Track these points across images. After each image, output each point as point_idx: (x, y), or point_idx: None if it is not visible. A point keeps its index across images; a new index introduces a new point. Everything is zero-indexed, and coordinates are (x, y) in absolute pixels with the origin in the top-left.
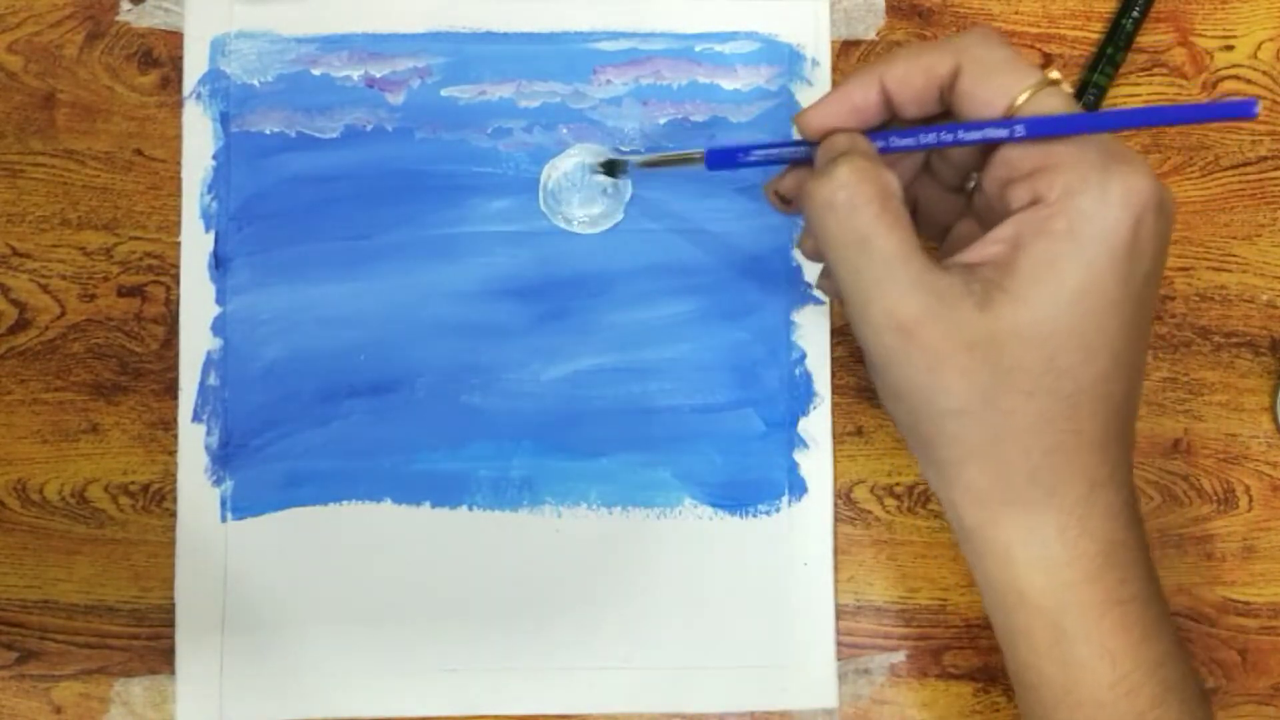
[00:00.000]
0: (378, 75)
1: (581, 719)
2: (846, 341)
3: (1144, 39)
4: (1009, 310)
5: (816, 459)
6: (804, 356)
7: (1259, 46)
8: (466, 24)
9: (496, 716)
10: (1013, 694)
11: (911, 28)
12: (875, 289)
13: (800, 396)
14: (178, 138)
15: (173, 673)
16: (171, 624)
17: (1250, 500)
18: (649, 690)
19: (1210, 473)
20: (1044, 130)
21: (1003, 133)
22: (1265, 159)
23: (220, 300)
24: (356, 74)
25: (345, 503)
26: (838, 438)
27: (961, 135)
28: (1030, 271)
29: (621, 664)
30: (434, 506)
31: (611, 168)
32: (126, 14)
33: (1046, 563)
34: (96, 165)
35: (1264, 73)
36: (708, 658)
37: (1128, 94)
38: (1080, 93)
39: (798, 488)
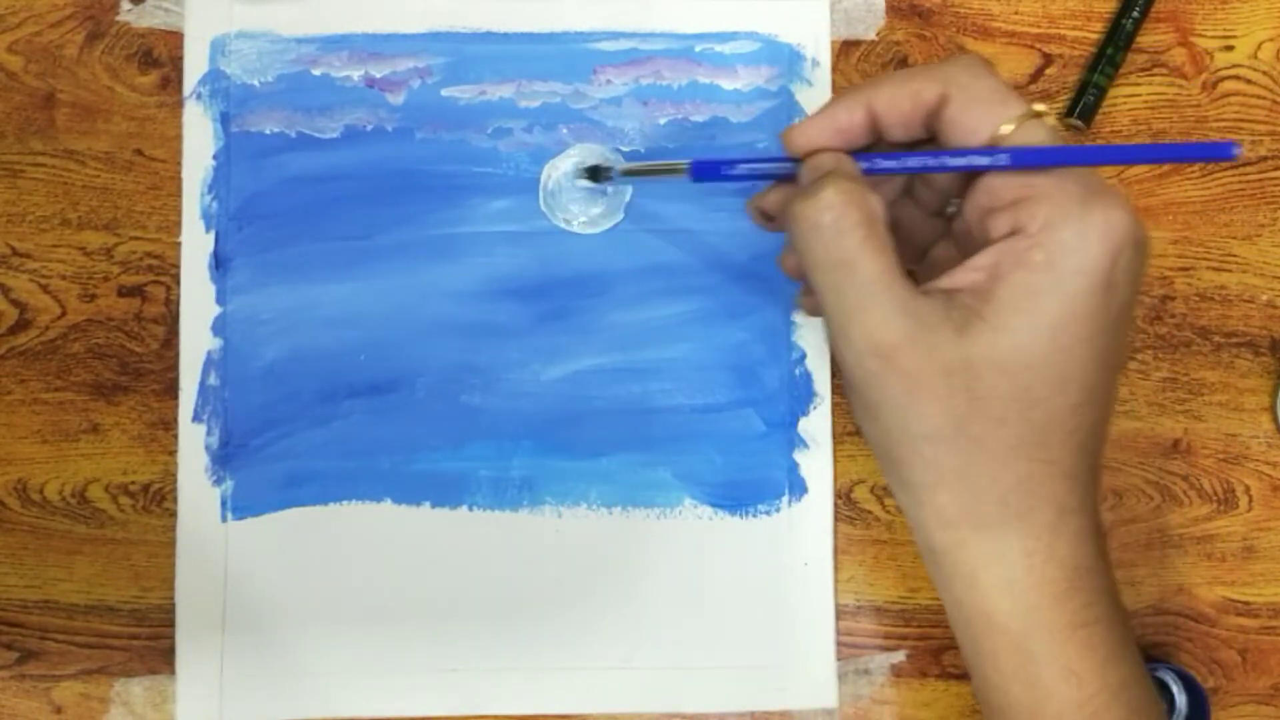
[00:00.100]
0: (378, 75)
1: (581, 719)
2: None
3: (1144, 39)
4: (986, 338)
5: (816, 459)
6: (804, 356)
7: (1259, 46)
8: (466, 24)
9: (496, 716)
10: None
11: (911, 28)
12: (857, 312)
13: (800, 396)
14: (178, 138)
15: (173, 673)
16: (171, 624)
17: (1250, 500)
18: (649, 690)
19: (1210, 473)
20: (1028, 161)
21: (985, 161)
22: (1265, 159)
23: (220, 300)
24: (356, 74)
25: (345, 503)
26: (838, 438)
27: (947, 161)
28: (1009, 301)
29: (621, 664)
30: (434, 506)
31: (596, 174)
32: (126, 14)
33: (1013, 586)
34: (96, 165)
35: (1264, 73)
36: (708, 658)
37: (1128, 94)
38: (1080, 93)
39: (798, 488)
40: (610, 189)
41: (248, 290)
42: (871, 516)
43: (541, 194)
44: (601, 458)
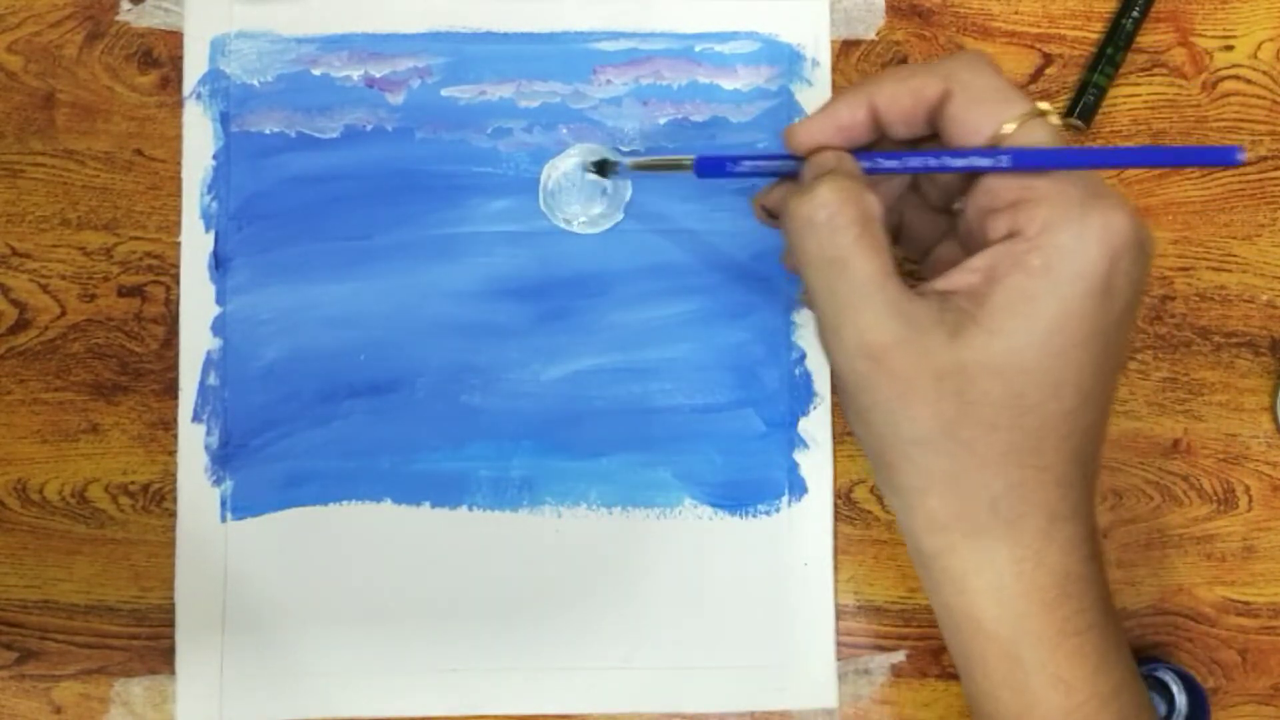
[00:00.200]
0: (378, 75)
1: (581, 719)
2: None
3: (1144, 39)
4: (979, 342)
5: (816, 459)
6: (804, 356)
7: (1259, 46)
8: (466, 24)
9: (496, 716)
10: None
11: (911, 28)
12: (849, 311)
13: (800, 396)
14: (178, 138)
15: (173, 673)
16: (171, 624)
17: (1250, 500)
18: (649, 690)
19: (1210, 473)
20: (1029, 163)
21: (988, 162)
22: (1265, 159)
23: (220, 300)
24: (356, 74)
25: (345, 503)
26: (838, 438)
27: (947, 161)
28: (1003, 305)
29: (621, 664)
30: (434, 506)
31: (603, 168)
32: (126, 14)
33: (1001, 593)
34: (96, 165)
35: (1264, 73)
36: (708, 658)
37: (1128, 94)
38: (1080, 93)
39: (798, 488)
40: (610, 188)
41: (248, 290)
42: (871, 516)
43: (541, 194)
44: (601, 458)
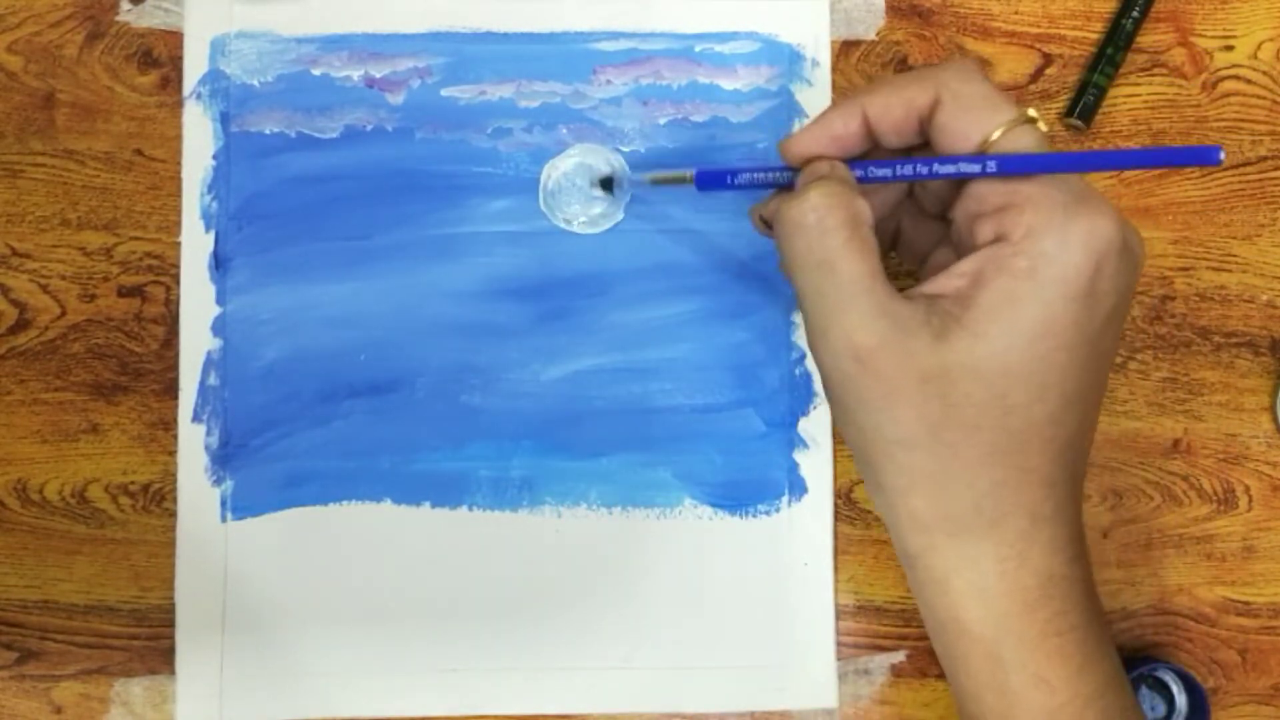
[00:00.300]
0: (378, 75)
1: (581, 719)
2: None
3: (1144, 39)
4: (964, 344)
5: (816, 459)
6: (804, 356)
7: (1259, 46)
8: (466, 24)
9: (496, 716)
10: None
11: (911, 28)
12: (836, 313)
13: (800, 396)
14: (178, 138)
15: (173, 673)
16: (171, 624)
17: (1250, 500)
18: (649, 690)
19: (1210, 473)
20: (1015, 168)
21: (975, 168)
22: (1265, 159)
23: (220, 300)
24: (356, 74)
25: (345, 503)
26: (838, 438)
27: (936, 169)
28: (988, 308)
29: (621, 664)
30: (434, 506)
31: (608, 184)
32: (126, 14)
33: (984, 593)
34: (96, 165)
35: (1264, 73)
36: (708, 658)
37: (1128, 94)
38: (1080, 93)
39: (798, 488)
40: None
41: (248, 290)
42: (871, 516)
43: (541, 194)
44: (601, 458)
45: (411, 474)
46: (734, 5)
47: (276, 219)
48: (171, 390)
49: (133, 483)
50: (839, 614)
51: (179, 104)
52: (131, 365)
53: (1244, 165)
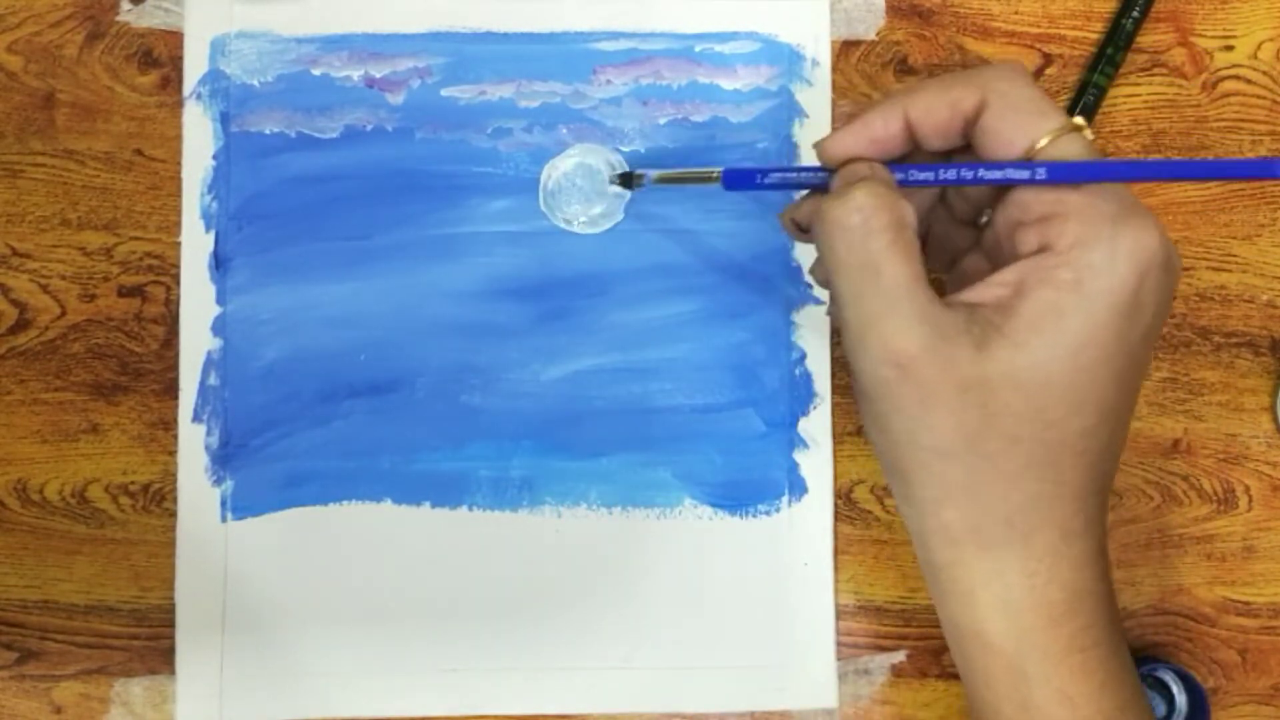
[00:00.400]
0: (378, 75)
1: (581, 719)
2: None
3: (1144, 39)
4: (1005, 354)
5: (816, 459)
6: (804, 356)
7: (1259, 46)
8: (466, 24)
9: (496, 716)
10: None
11: (911, 28)
12: (877, 318)
13: (800, 396)
14: (178, 138)
15: (173, 673)
16: (171, 624)
17: (1250, 500)
18: (649, 690)
19: (1210, 473)
20: (1065, 176)
21: (1024, 174)
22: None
23: (220, 300)
24: (356, 74)
25: (345, 503)
26: (838, 438)
27: (982, 174)
28: (1031, 319)
29: (621, 664)
30: (434, 506)
31: (628, 180)
32: (126, 14)
33: (1010, 606)
34: (96, 165)
35: (1264, 73)
36: (708, 658)
37: (1128, 94)
38: (1080, 93)
39: (798, 488)
40: (612, 189)
41: (248, 290)
42: (871, 516)
43: (541, 194)
44: (601, 458)
45: (411, 474)
46: (734, 5)
47: (276, 219)
48: (171, 390)
49: (133, 483)
50: (839, 614)
51: (179, 104)
52: (131, 365)
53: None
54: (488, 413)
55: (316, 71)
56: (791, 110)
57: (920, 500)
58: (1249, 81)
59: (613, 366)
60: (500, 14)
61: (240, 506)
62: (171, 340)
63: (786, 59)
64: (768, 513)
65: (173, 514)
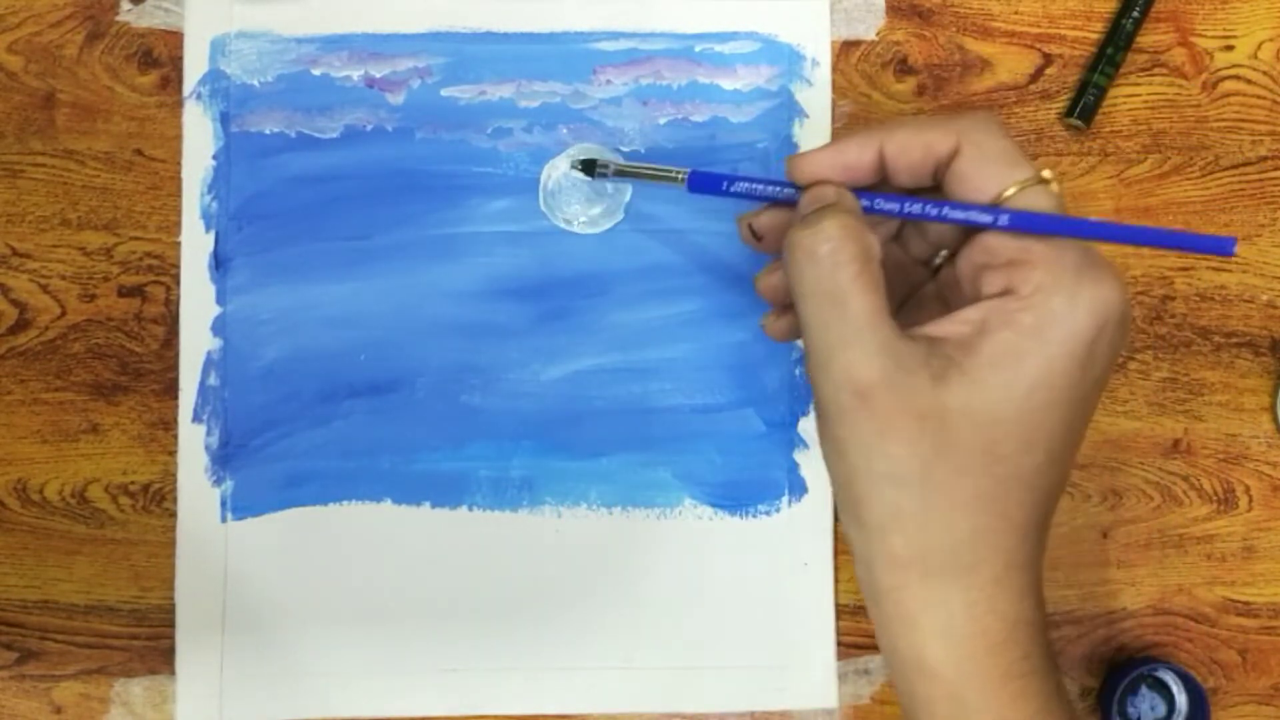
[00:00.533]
0: (378, 75)
1: (581, 719)
2: None
3: (1144, 39)
4: (963, 390)
5: (816, 459)
6: (804, 356)
7: (1259, 46)
8: (466, 24)
9: (496, 716)
10: None
11: (911, 28)
12: (840, 346)
13: (800, 396)
14: (178, 138)
15: (173, 673)
16: (171, 624)
17: (1250, 500)
18: (649, 690)
19: (1210, 473)
20: (1026, 226)
21: (987, 219)
22: (1265, 159)
23: (220, 300)
24: (356, 74)
25: (345, 503)
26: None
27: (947, 213)
28: (990, 358)
29: (621, 664)
30: (434, 506)
31: (590, 168)
32: (126, 14)
33: (951, 633)
34: (96, 165)
35: (1264, 73)
36: (708, 658)
37: (1128, 94)
38: (1080, 93)
39: (798, 488)
40: (611, 189)
41: (248, 290)
42: None
43: (541, 194)
44: (601, 458)
45: (411, 474)
46: (734, 5)
47: (276, 219)
48: (171, 390)
49: (133, 483)
50: (839, 614)
51: (179, 104)
52: (131, 365)
53: (1244, 165)
54: (488, 413)
55: (316, 71)
56: (791, 110)
57: (869, 525)
58: (1249, 81)
59: (613, 366)
60: (500, 14)
61: (240, 506)
62: (171, 340)
63: (786, 59)
64: (768, 513)
65: (173, 514)
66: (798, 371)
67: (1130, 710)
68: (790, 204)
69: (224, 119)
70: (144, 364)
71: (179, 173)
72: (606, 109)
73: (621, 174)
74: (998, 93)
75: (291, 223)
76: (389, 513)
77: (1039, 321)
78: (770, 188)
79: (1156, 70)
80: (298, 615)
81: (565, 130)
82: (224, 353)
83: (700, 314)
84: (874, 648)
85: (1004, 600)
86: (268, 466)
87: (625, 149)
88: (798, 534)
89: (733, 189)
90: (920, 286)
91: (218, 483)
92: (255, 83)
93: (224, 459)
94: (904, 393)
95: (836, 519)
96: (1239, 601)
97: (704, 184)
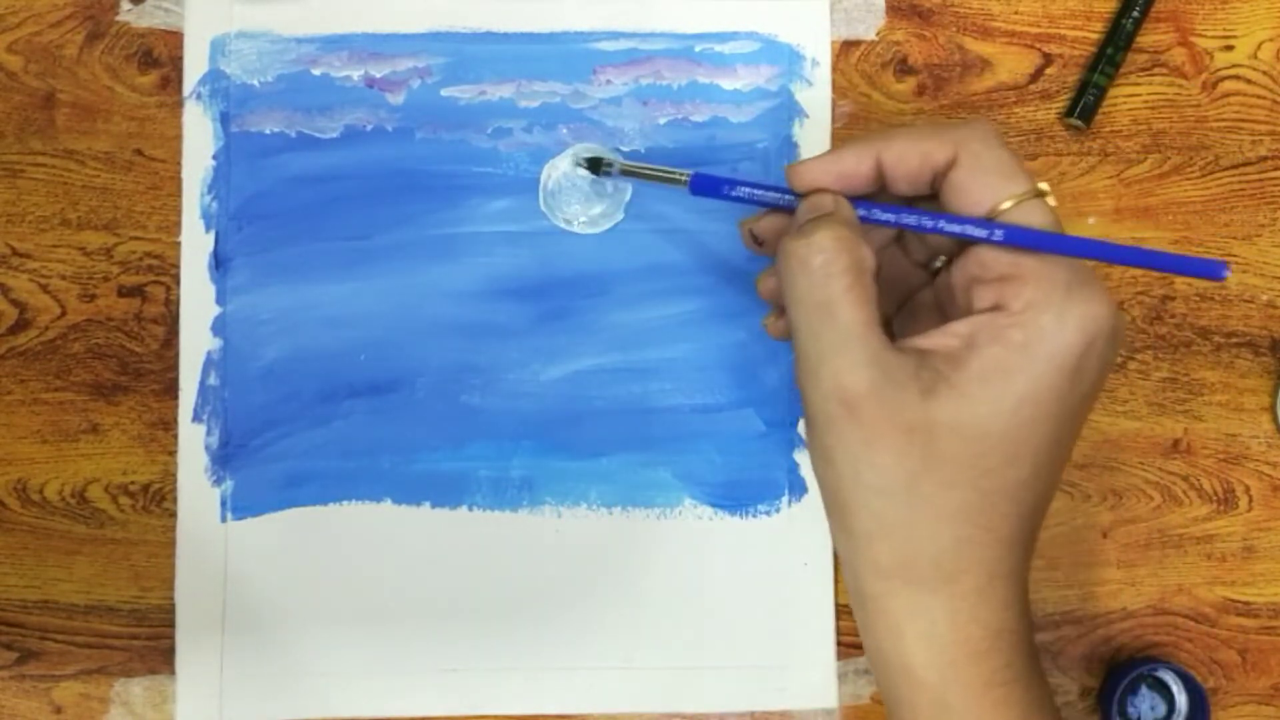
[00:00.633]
0: (378, 75)
1: (581, 719)
2: None
3: (1144, 39)
4: (951, 404)
5: None
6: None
7: (1259, 46)
8: (466, 24)
9: (496, 716)
10: None
11: (911, 28)
12: (830, 356)
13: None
14: (178, 138)
15: (173, 673)
16: (171, 624)
17: (1250, 500)
18: (649, 690)
19: (1210, 473)
20: (1020, 241)
21: (982, 233)
22: (1265, 159)
23: (220, 300)
24: (356, 74)
25: (345, 503)
26: None
27: (942, 225)
28: (979, 372)
29: (621, 664)
30: (434, 506)
31: (595, 165)
32: (126, 14)
33: (934, 640)
34: (96, 165)
35: (1264, 73)
36: (708, 658)
37: (1128, 94)
38: (1080, 93)
39: (798, 488)
40: (611, 188)
41: (248, 290)
42: None
43: (541, 194)
44: (601, 458)
45: (411, 474)
46: (734, 5)
47: (276, 219)
48: (171, 390)
49: (133, 483)
50: (839, 614)
51: (179, 104)
52: (131, 365)
53: (1244, 165)
54: (488, 413)
55: (316, 71)
56: (791, 110)
57: (856, 533)
58: (1249, 81)
59: (613, 366)
60: (500, 14)
61: (240, 506)
62: (171, 340)
63: (786, 59)
64: (768, 513)
65: (173, 514)
66: None
67: (1130, 710)
68: (790, 210)
69: (224, 119)
70: (144, 364)
71: (179, 173)
72: (606, 109)
73: (626, 173)
74: (998, 93)
75: (291, 223)
76: (389, 513)
77: (1028, 338)
78: (771, 194)
79: (1156, 70)
80: (298, 615)
81: (565, 130)
82: (224, 353)
83: (700, 314)
84: None
85: (987, 610)
86: (268, 466)
87: (625, 149)
88: (798, 534)
89: (734, 194)
90: (918, 290)
91: (218, 483)
92: (255, 83)
93: (224, 459)
94: (892, 405)
95: None
96: (1239, 601)
97: (706, 187)
